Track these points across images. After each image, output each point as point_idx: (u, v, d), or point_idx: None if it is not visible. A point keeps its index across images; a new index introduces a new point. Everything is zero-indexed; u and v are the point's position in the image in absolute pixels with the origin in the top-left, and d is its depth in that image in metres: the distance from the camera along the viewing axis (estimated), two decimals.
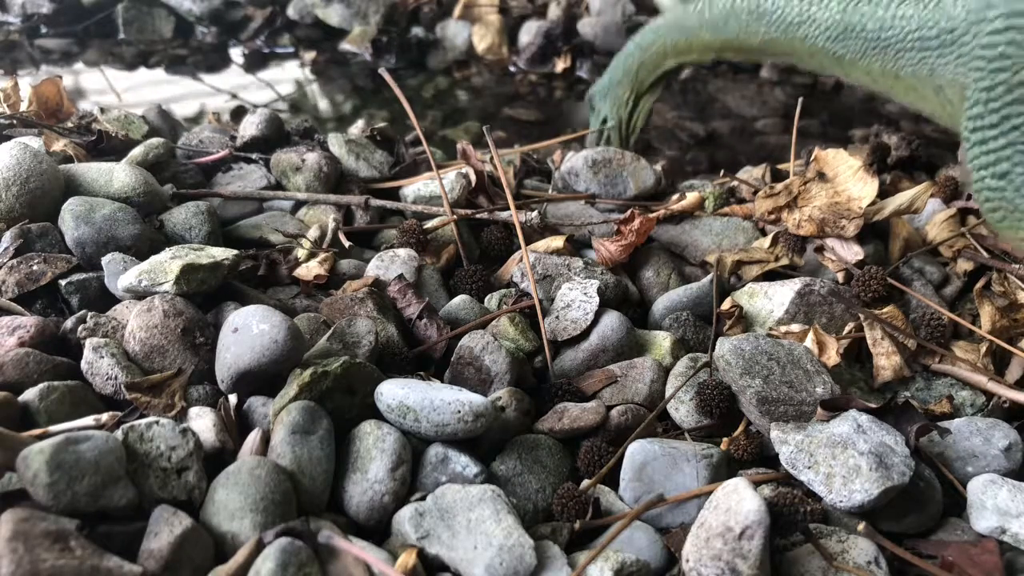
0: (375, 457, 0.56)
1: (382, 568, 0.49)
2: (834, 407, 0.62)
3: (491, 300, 0.76)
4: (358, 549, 0.49)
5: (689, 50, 1.05)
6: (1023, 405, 0.68)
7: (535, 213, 0.82)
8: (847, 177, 0.84)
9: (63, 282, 0.68)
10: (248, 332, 0.59)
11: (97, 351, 0.61)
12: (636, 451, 0.60)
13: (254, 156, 0.95)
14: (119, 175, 0.78)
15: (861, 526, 0.55)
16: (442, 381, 0.67)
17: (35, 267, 0.69)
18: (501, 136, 1.39)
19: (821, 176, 0.85)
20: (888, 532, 0.57)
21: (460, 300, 0.74)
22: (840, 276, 0.79)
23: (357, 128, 1.09)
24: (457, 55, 1.72)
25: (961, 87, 0.73)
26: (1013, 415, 0.69)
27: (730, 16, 0.97)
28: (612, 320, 0.72)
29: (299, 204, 0.88)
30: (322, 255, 0.77)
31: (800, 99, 0.99)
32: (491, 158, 0.88)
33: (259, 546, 0.48)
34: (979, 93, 0.68)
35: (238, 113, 1.46)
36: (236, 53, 1.78)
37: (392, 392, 0.58)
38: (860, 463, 0.56)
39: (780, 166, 1.03)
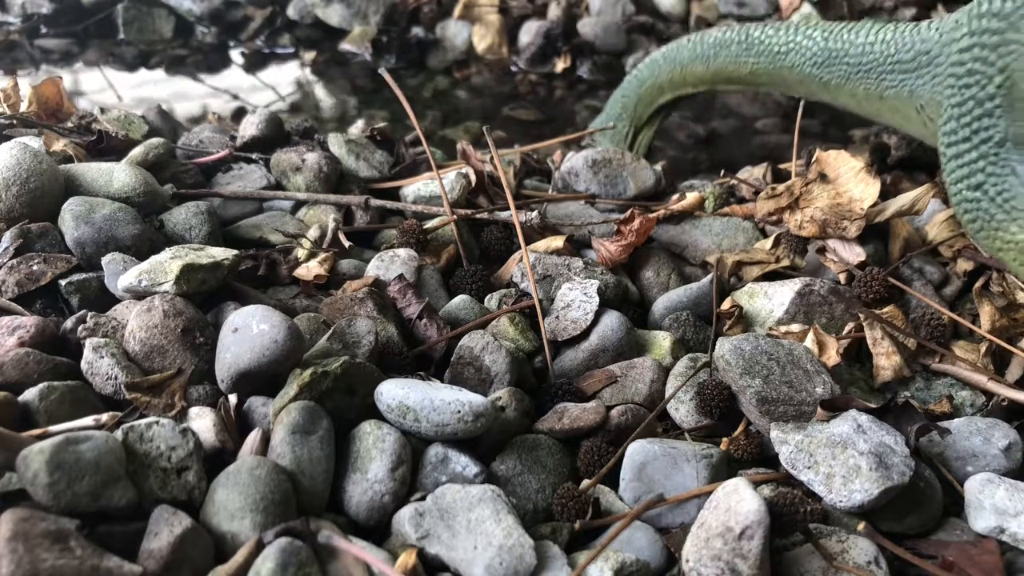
0: (375, 457, 0.56)
1: (382, 568, 0.49)
2: (834, 407, 0.62)
3: (491, 300, 0.76)
4: (358, 549, 0.49)
5: (684, 83, 1.09)
6: (1023, 405, 0.68)
7: (535, 213, 0.82)
8: (849, 178, 0.84)
9: (63, 282, 0.68)
10: (248, 332, 0.59)
11: (97, 351, 0.61)
12: (636, 451, 0.60)
13: (254, 156, 0.95)
14: (119, 175, 0.78)
15: (861, 526, 0.55)
16: (442, 381, 0.67)
17: (35, 267, 0.69)
18: (501, 136, 1.39)
19: (823, 177, 0.85)
20: (888, 532, 0.57)
21: (460, 300, 0.74)
22: (842, 277, 0.79)
23: (357, 128, 1.09)
24: (457, 55, 1.72)
25: (938, 105, 0.75)
26: (1013, 415, 0.69)
27: (721, 48, 1.00)
28: (612, 320, 0.72)
29: (299, 204, 0.88)
30: (322, 255, 0.77)
31: (801, 100, 0.99)
32: (491, 158, 0.88)
33: (259, 546, 0.48)
34: (952, 109, 0.71)
35: (238, 113, 1.46)
36: (236, 53, 1.78)
37: (392, 392, 0.58)
38: (860, 463, 0.56)
39: (781, 166, 1.03)
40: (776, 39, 0.94)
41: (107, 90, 1.58)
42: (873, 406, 0.62)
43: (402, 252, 0.78)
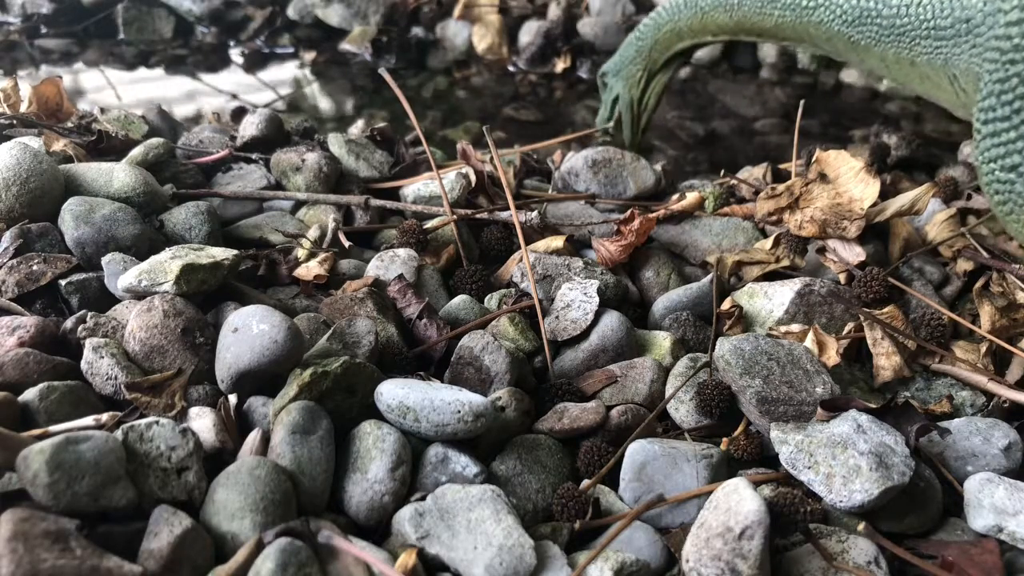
0: (375, 457, 0.56)
1: (382, 568, 0.49)
2: (834, 407, 0.62)
3: (491, 300, 0.76)
4: (358, 549, 0.49)
5: (703, 30, 1.05)
6: (1023, 405, 0.68)
7: (535, 213, 0.82)
8: (849, 178, 0.84)
9: (63, 282, 0.68)
10: (248, 332, 0.59)
11: (97, 351, 0.61)
12: (636, 451, 0.60)
13: (254, 156, 0.95)
14: (119, 175, 0.78)
15: (861, 526, 0.55)
16: (442, 381, 0.67)
17: (35, 267, 0.69)
18: (501, 136, 1.39)
19: (823, 177, 0.85)
20: (888, 532, 0.57)
21: (460, 300, 0.74)
22: (842, 277, 0.79)
23: (357, 128, 1.10)
24: (457, 55, 1.72)
25: (975, 77, 0.72)
26: (1013, 415, 0.69)
27: None
28: (612, 320, 0.72)
29: (299, 204, 0.88)
30: (322, 255, 0.77)
31: (802, 100, 0.99)
32: (491, 158, 0.88)
33: (259, 546, 0.48)
34: (992, 85, 0.68)
35: (238, 113, 1.46)
36: (236, 53, 1.78)
37: (392, 392, 0.58)
38: (860, 463, 0.56)
39: (781, 166, 1.03)
40: None
41: (107, 90, 1.58)
42: (873, 406, 0.62)
43: (402, 252, 0.78)
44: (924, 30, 0.78)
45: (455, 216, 0.84)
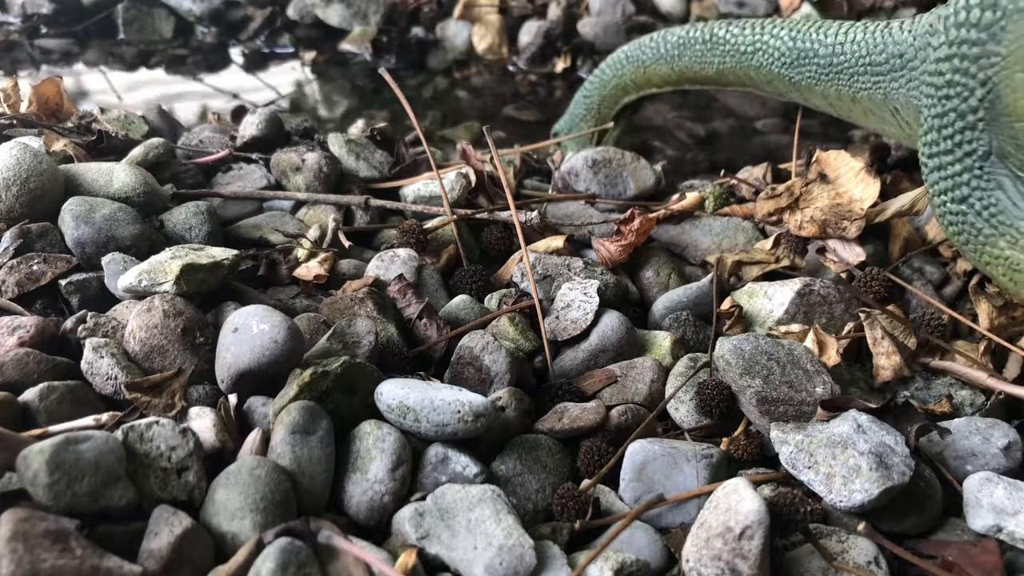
0: (375, 457, 0.56)
1: (382, 568, 0.49)
2: (834, 407, 0.62)
3: (491, 300, 0.76)
4: (358, 549, 0.49)
5: (648, 83, 1.07)
6: (1021, 400, 0.68)
7: (535, 213, 0.82)
8: (849, 178, 0.84)
9: (63, 282, 0.68)
10: (248, 332, 0.59)
11: (97, 351, 0.61)
12: (636, 451, 0.60)
13: (254, 156, 0.95)
14: (119, 175, 0.78)
15: (861, 526, 0.55)
16: (442, 381, 0.67)
17: (35, 267, 0.69)
18: (501, 136, 1.39)
19: (823, 177, 0.85)
20: (888, 532, 0.57)
21: (460, 300, 0.74)
22: (842, 277, 0.79)
23: (357, 128, 1.09)
24: (457, 55, 1.72)
25: (916, 109, 0.73)
26: (1011, 413, 0.69)
27: (684, 47, 0.98)
28: (612, 320, 0.72)
29: (299, 204, 0.88)
30: (322, 255, 0.77)
31: None
32: (491, 158, 0.88)
33: (259, 546, 0.48)
34: (932, 120, 0.69)
35: (238, 113, 1.46)
36: (236, 53, 1.78)
37: (392, 392, 0.58)
38: (860, 463, 0.56)
39: (781, 166, 1.03)
40: (742, 38, 0.91)
41: (107, 90, 1.58)
42: (873, 406, 0.62)
43: (402, 252, 0.78)
44: (861, 66, 0.79)
45: (455, 216, 0.84)
